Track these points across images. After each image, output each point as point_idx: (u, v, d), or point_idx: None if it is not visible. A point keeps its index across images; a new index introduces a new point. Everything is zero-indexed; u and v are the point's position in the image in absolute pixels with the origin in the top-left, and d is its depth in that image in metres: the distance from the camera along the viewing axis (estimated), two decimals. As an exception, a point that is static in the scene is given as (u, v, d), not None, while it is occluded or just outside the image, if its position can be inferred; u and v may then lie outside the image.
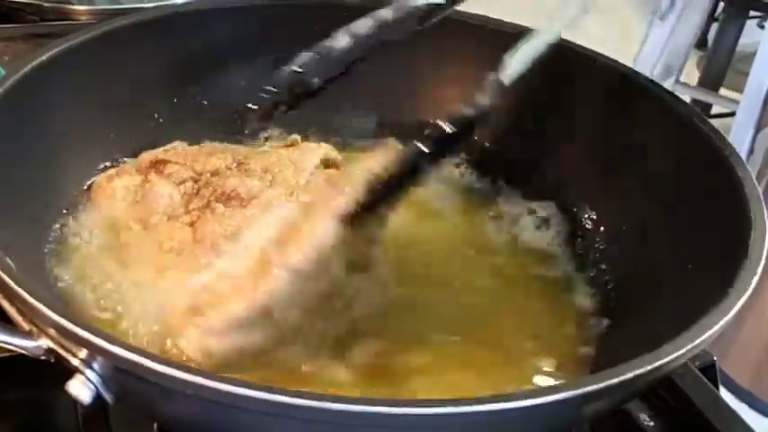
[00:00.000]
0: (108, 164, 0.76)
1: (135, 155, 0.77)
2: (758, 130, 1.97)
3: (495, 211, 0.80)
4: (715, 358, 0.71)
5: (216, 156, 0.74)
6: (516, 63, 0.67)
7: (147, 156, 0.75)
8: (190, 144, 0.80)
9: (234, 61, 0.83)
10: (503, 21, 0.84)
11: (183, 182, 0.72)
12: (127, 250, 0.69)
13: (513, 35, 0.82)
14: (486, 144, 0.84)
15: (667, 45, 2.17)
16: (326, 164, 0.76)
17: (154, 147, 0.79)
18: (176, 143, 0.78)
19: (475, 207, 0.81)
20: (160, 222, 0.69)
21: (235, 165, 0.73)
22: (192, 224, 0.69)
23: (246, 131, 0.82)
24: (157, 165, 0.73)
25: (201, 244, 0.67)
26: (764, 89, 1.93)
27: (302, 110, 0.77)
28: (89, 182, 0.74)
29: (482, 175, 0.84)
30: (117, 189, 0.72)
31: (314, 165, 0.75)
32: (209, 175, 0.72)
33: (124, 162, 0.76)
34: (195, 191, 0.72)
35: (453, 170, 0.84)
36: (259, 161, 0.74)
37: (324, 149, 0.77)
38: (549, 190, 0.81)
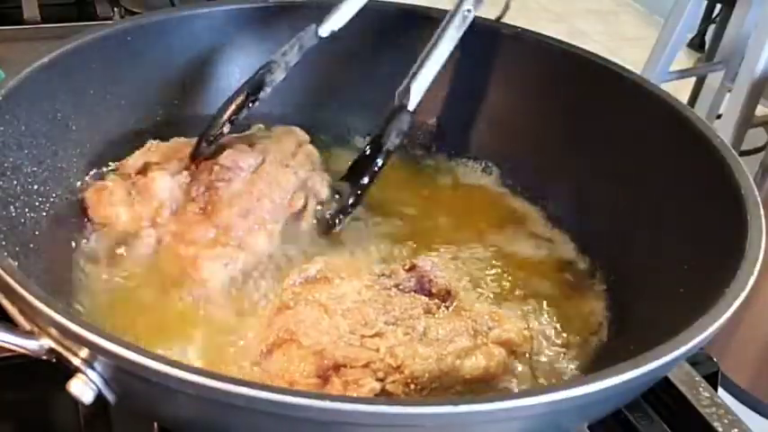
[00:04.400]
0: (108, 164, 0.76)
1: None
2: (747, 126, 1.96)
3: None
4: (715, 359, 0.71)
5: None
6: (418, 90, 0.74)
7: (129, 163, 0.74)
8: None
9: (235, 63, 0.83)
10: (502, 23, 0.84)
11: (177, 173, 0.73)
12: (144, 248, 0.69)
13: (509, 37, 0.83)
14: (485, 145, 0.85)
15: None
16: (299, 143, 0.79)
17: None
18: (150, 142, 0.77)
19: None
20: (170, 218, 0.70)
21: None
22: (203, 210, 0.70)
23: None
24: (144, 170, 0.74)
25: (222, 230, 0.69)
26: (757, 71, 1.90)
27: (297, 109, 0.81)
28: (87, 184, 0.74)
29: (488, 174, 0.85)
30: (112, 194, 0.71)
31: (295, 143, 0.77)
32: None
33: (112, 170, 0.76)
34: (190, 179, 0.72)
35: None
36: (242, 143, 0.75)
37: (297, 130, 0.79)
38: (547, 189, 0.81)
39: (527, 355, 0.63)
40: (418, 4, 0.87)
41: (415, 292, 0.64)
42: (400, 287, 0.64)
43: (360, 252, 0.73)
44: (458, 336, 0.60)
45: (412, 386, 0.57)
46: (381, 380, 0.57)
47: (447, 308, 0.64)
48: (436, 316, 0.62)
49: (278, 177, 0.72)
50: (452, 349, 0.59)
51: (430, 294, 0.64)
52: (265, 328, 0.61)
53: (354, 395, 0.55)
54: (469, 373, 0.58)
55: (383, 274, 0.66)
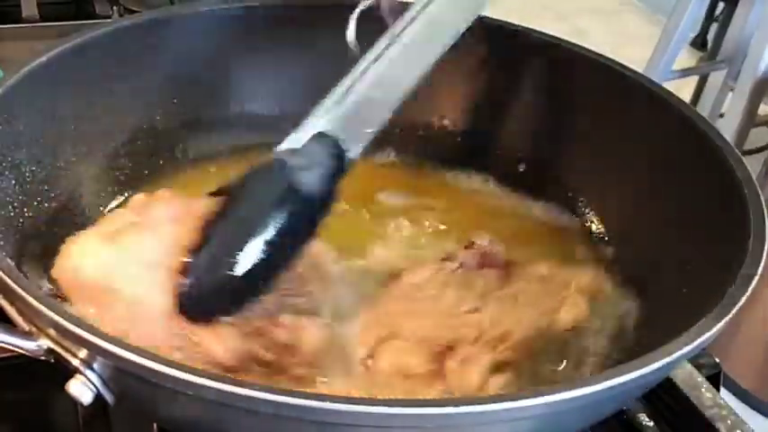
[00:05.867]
0: (107, 165, 0.76)
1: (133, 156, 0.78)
2: (750, 125, 1.96)
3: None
4: (718, 360, 0.71)
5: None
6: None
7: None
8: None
9: (235, 64, 0.83)
10: (498, 20, 0.84)
11: None
12: None
13: (511, 36, 0.83)
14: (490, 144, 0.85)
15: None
16: None
17: (152, 149, 0.79)
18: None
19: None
20: None
21: None
22: None
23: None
24: None
25: None
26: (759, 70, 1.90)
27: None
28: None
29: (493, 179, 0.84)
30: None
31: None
32: None
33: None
34: None
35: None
36: None
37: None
38: (551, 189, 0.81)
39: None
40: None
41: (479, 268, 0.65)
42: (466, 266, 0.65)
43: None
44: (541, 297, 0.62)
45: (519, 352, 0.58)
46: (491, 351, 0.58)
47: (517, 276, 0.65)
48: (513, 285, 0.64)
49: None
50: (544, 308, 0.61)
51: (494, 268, 0.65)
52: (361, 331, 0.60)
53: (354, 399, 0.54)
54: (563, 326, 0.61)
55: (444, 258, 0.65)
